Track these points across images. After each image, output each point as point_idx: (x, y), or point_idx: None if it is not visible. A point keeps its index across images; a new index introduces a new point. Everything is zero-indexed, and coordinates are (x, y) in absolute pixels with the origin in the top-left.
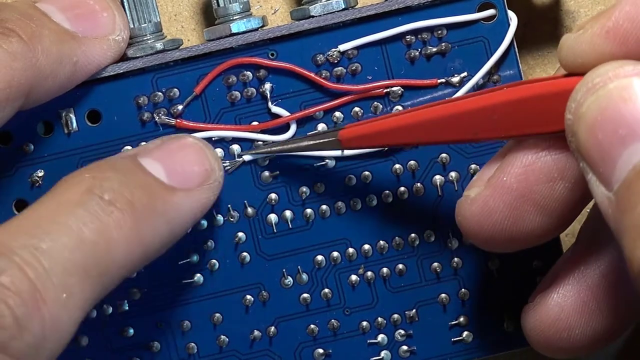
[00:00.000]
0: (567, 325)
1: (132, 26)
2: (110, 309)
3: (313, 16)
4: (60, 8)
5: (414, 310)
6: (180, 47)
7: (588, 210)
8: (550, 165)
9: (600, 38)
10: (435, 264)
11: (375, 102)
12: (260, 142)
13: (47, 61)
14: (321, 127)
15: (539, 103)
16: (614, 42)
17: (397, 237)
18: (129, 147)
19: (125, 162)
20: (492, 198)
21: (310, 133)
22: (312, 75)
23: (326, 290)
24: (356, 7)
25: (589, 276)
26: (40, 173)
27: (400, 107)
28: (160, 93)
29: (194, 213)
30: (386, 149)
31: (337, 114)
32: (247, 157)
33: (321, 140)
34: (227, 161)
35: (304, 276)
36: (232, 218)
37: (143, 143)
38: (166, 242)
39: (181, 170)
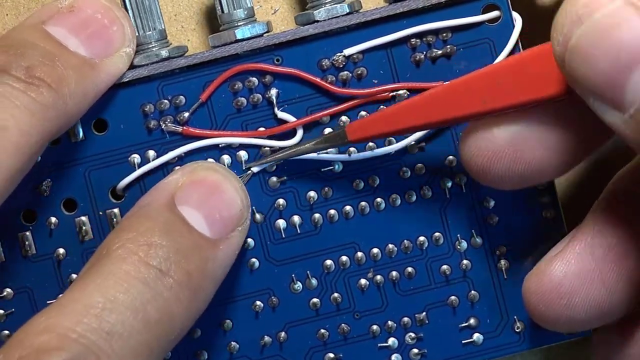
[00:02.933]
0: (569, 291)
1: (136, 34)
2: None
3: (318, 21)
4: (72, 30)
5: (423, 313)
6: (185, 54)
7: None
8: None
9: None
10: (444, 266)
11: (382, 106)
12: (267, 148)
13: (75, 103)
14: (328, 131)
15: (541, 63)
16: None
17: (405, 241)
18: (136, 156)
19: (170, 218)
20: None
21: (315, 138)
22: (318, 80)
23: (336, 294)
24: (360, 11)
25: (595, 247)
26: (48, 183)
27: None
28: (166, 100)
29: (232, 260)
30: (394, 138)
31: (344, 118)
32: (255, 169)
33: (327, 135)
34: (239, 175)
35: (313, 281)
36: None
37: (151, 152)
38: (211, 298)
39: (220, 217)
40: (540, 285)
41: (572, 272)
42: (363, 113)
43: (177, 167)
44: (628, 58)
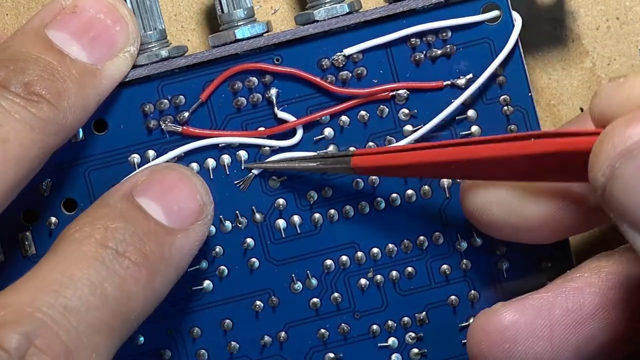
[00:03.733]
0: (513, 337)
1: None
2: None
3: (317, 20)
4: (74, 34)
5: (423, 313)
6: (185, 54)
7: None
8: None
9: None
10: (445, 266)
11: (382, 106)
12: (267, 148)
13: (74, 116)
14: (328, 131)
15: (566, 158)
16: None
17: (405, 240)
18: (135, 156)
19: (127, 206)
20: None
21: (321, 152)
22: (318, 79)
23: (336, 294)
24: (360, 10)
25: (557, 305)
26: (48, 183)
27: (406, 110)
28: (166, 100)
29: (192, 252)
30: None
31: (344, 117)
32: (256, 171)
33: (333, 166)
34: (239, 180)
35: (313, 281)
36: (240, 224)
37: (151, 152)
38: (172, 285)
39: (178, 209)
40: (488, 323)
41: (523, 320)
42: (363, 113)
43: (141, 169)
44: None
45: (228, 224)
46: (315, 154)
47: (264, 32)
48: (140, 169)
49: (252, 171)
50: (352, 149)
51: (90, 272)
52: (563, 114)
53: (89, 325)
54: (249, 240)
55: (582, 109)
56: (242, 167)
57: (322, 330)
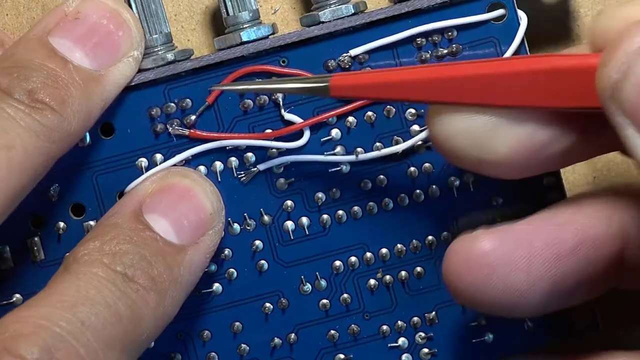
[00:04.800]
0: (492, 264)
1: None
2: None
3: (323, 22)
4: (76, 41)
5: (433, 313)
6: (191, 57)
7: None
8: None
9: None
10: None
11: (388, 106)
12: (274, 150)
13: (79, 122)
14: (335, 132)
15: (562, 78)
16: None
17: (414, 240)
18: (143, 159)
19: (135, 227)
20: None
21: (299, 78)
22: None
23: (345, 295)
24: (365, 11)
25: (538, 237)
26: (56, 187)
27: (413, 110)
28: (172, 104)
29: (203, 264)
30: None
31: (351, 118)
32: (261, 167)
33: (311, 85)
34: (242, 172)
35: (323, 282)
36: (248, 226)
37: (158, 155)
38: (182, 302)
39: (187, 223)
40: (467, 249)
41: (503, 249)
42: (369, 113)
43: (149, 174)
44: None
45: (236, 226)
46: (292, 78)
47: (270, 34)
48: (149, 172)
49: (258, 166)
50: (338, 149)
51: (104, 292)
52: None
53: (104, 343)
54: (257, 242)
55: None
56: (235, 174)
57: (332, 332)
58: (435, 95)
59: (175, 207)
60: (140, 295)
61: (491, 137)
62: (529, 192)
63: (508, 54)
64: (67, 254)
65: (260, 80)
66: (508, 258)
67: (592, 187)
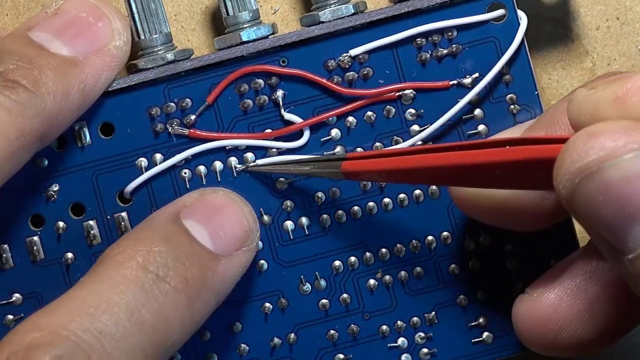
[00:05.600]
0: (557, 328)
1: (142, 37)
2: None
3: (323, 22)
4: (55, 33)
5: (433, 313)
6: (191, 57)
7: None
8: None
9: (607, 104)
10: (453, 265)
11: (388, 106)
12: (275, 150)
13: (55, 101)
14: (335, 132)
15: (537, 165)
16: (620, 111)
17: (414, 240)
18: (143, 159)
19: (172, 228)
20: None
21: (313, 156)
22: (324, 81)
23: (345, 295)
24: (365, 11)
25: (589, 286)
26: (55, 187)
27: (413, 110)
28: (172, 104)
29: (235, 279)
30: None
31: (350, 118)
32: (259, 162)
33: (325, 170)
34: (240, 165)
35: (322, 282)
36: None
37: (158, 155)
38: (212, 311)
39: (224, 234)
40: (530, 317)
41: (563, 310)
42: (369, 113)
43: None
44: (632, 210)
45: None
46: (308, 157)
47: (270, 34)
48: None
49: (257, 161)
50: (338, 150)
51: (128, 297)
52: None
53: (123, 352)
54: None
55: None
56: (234, 174)
57: (332, 332)
58: (440, 180)
59: (213, 217)
60: (169, 297)
61: (507, 205)
62: None
63: (508, 54)
64: (103, 253)
65: (280, 163)
66: (571, 316)
67: None
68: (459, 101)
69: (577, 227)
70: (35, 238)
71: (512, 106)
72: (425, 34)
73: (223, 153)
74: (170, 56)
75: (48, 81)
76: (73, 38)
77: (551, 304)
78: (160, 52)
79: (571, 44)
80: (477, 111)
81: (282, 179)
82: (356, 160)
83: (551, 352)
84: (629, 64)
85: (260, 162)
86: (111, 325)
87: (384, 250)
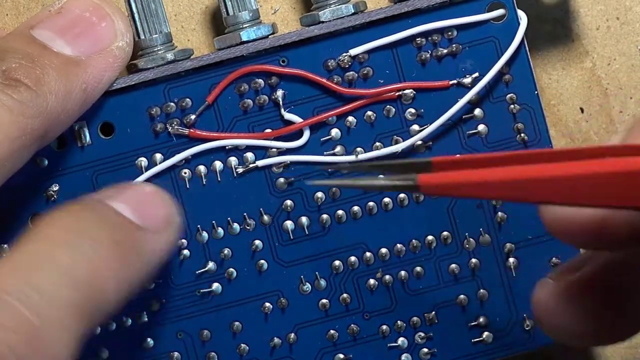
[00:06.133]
0: (578, 315)
1: (142, 37)
2: (130, 321)
3: (323, 22)
4: (58, 32)
5: (433, 313)
6: (191, 57)
7: None
8: None
9: None
10: (453, 265)
11: (388, 106)
12: (275, 149)
13: (57, 101)
14: (334, 132)
15: None
16: None
17: (414, 240)
18: (143, 159)
19: (99, 205)
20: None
21: (384, 162)
22: (324, 80)
23: (345, 295)
24: (365, 11)
25: (614, 276)
26: (55, 187)
27: (413, 110)
28: (172, 103)
29: (163, 254)
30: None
31: (350, 118)
32: (260, 163)
33: (398, 183)
34: (240, 166)
35: (322, 282)
36: (248, 226)
37: (158, 155)
38: (144, 281)
39: (148, 213)
40: (550, 302)
41: (585, 298)
42: (369, 113)
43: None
44: None
45: (236, 226)
46: (379, 162)
47: (270, 34)
48: (148, 172)
49: (257, 163)
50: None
51: (61, 256)
52: (563, 114)
53: (58, 307)
54: (257, 242)
55: (582, 109)
56: (234, 174)
57: (332, 331)
58: (533, 196)
59: (138, 199)
60: (102, 257)
61: (601, 225)
62: None
63: (508, 53)
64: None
65: (348, 179)
66: (592, 308)
67: None
68: (458, 101)
69: None
70: None
71: (512, 106)
72: (425, 34)
73: (223, 153)
74: (170, 56)
75: (50, 80)
76: (76, 37)
77: (574, 291)
78: (160, 52)
79: (571, 44)
80: (477, 111)
81: (282, 178)
82: (436, 175)
83: (571, 340)
84: (629, 64)
85: (324, 181)
86: (44, 281)
87: (384, 250)
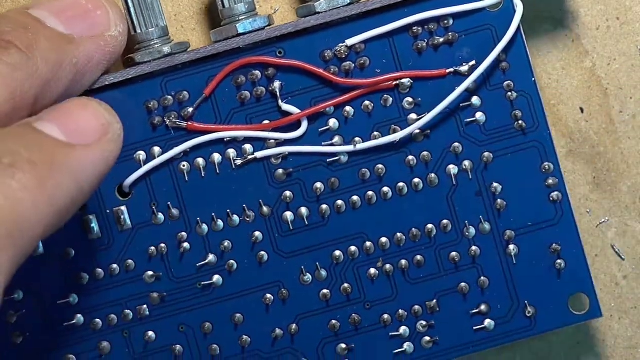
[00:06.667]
0: None
1: (139, 31)
2: (131, 314)
3: (319, 12)
4: (54, 12)
5: (434, 301)
6: (188, 50)
7: None
8: None
9: None
10: (454, 253)
11: (385, 95)
12: (273, 141)
13: (47, 67)
14: (332, 122)
15: None
16: None
17: (413, 229)
18: (141, 152)
19: (19, 129)
20: None
21: None
22: (321, 71)
23: (345, 285)
24: (361, 1)
25: None
26: None
27: (410, 99)
28: (170, 96)
29: (98, 168)
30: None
31: (348, 108)
32: (258, 155)
33: None
34: (239, 158)
35: (323, 272)
36: (248, 218)
37: (156, 148)
38: (76, 199)
39: (77, 127)
40: None
41: None
42: (367, 103)
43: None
44: None
45: (236, 218)
46: None
47: (266, 26)
48: (148, 165)
49: (255, 154)
50: (337, 139)
51: None
52: (563, 114)
53: None
54: (257, 233)
55: (582, 109)
56: (233, 165)
57: (333, 322)
58: None
59: (66, 115)
60: (16, 179)
61: None
62: (526, 177)
63: (504, 41)
64: None
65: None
66: None
67: (592, 186)
68: (456, 89)
69: (577, 218)
70: None
71: (509, 93)
72: (422, 23)
73: (221, 145)
74: (167, 49)
75: (42, 47)
76: (71, 19)
77: None
78: (156, 46)
79: (571, 44)
80: (475, 99)
81: (281, 170)
82: None
83: None
84: (629, 64)
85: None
86: None
87: (384, 239)
